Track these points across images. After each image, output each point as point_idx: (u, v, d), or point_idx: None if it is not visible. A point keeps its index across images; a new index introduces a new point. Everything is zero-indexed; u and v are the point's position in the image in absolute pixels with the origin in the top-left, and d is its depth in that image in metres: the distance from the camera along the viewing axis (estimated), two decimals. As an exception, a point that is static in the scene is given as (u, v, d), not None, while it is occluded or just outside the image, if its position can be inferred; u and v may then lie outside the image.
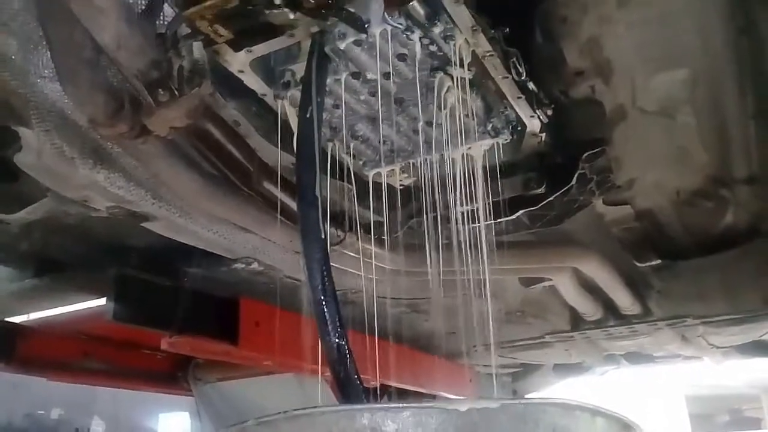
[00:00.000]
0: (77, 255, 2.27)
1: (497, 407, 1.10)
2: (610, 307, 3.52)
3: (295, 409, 1.12)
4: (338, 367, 1.27)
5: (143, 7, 1.45)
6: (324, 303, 1.29)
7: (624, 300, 3.32)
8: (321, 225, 1.33)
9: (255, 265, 2.42)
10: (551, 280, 3.03)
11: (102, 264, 2.24)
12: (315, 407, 1.19)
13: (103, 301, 2.31)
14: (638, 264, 2.84)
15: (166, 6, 1.47)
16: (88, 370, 3.01)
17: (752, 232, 2.50)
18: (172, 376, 3.52)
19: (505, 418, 1.10)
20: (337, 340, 1.29)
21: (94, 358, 2.95)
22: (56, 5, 1.36)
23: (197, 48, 1.41)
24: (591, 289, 3.22)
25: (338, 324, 1.29)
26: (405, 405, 1.12)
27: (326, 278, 1.31)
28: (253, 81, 1.59)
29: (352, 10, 1.32)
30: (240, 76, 1.57)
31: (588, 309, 3.49)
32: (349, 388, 1.26)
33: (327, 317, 1.29)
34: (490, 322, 1.68)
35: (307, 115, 1.39)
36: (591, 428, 1.22)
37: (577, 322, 3.79)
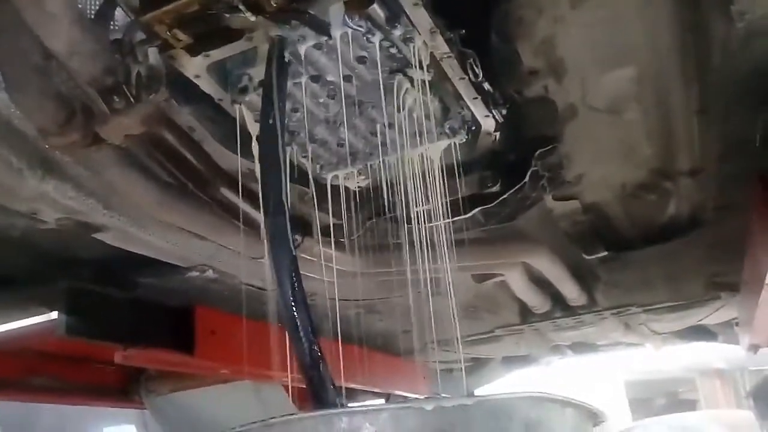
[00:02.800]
0: (24, 268, 2.18)
1: (472, 404, 1.12)
2: (557, 299, 3.62)
3: (272, 417, 1.12)
4: (312, 372, 1.26)
5: (95, 12, 1.41)
6: (295, 309, 1.29)
7: (571, 291, 3.41)
8: (289, 232, 1.32)
9: (210, 273, 2.38)
10: (502, 275, 3.09)
11: (50, 277, 2.16)
12: (292, 414, 1.18)
13: (50, 315, 2.23)
14: (586, 256, 2.92)
15: (118, 11, 1.44)
16: (35, 387, 2.90)
17: (694, 223, 2.61)
18: (122, 389, 3.42)
19: (479, 415, 1.13)
20: (309, 346, 1.29)
21: (42, 374, 2.84)
22: (3, 12, 1.30)
23: (153, 53, 1.38)
24: (540, 282, 3.30)
25: (310, 329, 1.29)
26: (383, 407, 1.13)
27: (296, 284, 1.30)
28: (209, 86, 1.56)
29: (314, 13, 1.31)
30: (196, 81, 1.54)
31: (537, 302, 3.58)
32: (323, 393, 1.25)
33: (299, 323, 1.28)
34: (455, 318, 1.70)
35: (270, 121, 1.38)
36: (561, 418, 1.26)
37: (525, 315, 3.88)
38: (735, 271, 2.93)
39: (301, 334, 1.28)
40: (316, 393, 1.25)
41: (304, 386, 1.27)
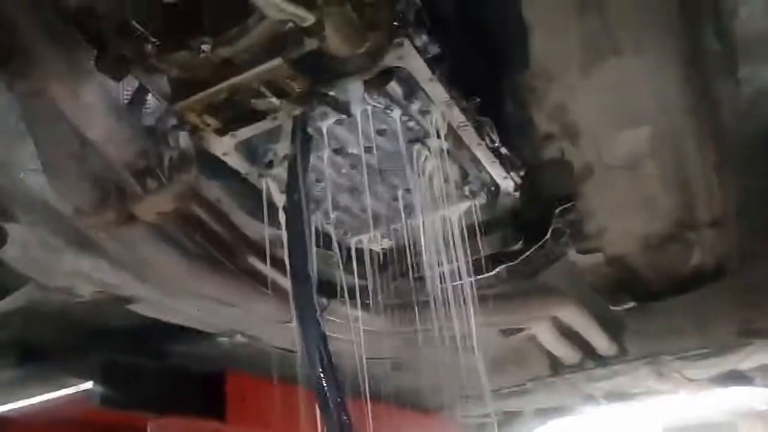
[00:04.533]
0: (58, 340, 2.23)
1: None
2: (587, 350, 3.57)
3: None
4: (343, 443, 1.29)
5: (128, 100, 1.49)
6: (324, 377, 1.32)
7: (601, 342, 3.38)
8: (316, 303, 1.36)
9: (239, 338, 2.42)
10: (530, 329, 3.08)
11: (84, 348, 2.21)
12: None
13: (85, 385, 2.27)
14: (613, 308, 2.91)
15: (149, 96, 1.52)
16: (74, 457, 2.92)
17: (719, 272, 2.58)
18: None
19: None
20: (338, 413, 1.31)
21: (77, 444, 2.87)
22: (42, 103, 1.38)
23: (183, 137, 1.45)
24: (569, 334, 3.27)
25: (338, 397, 1.32)
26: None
27: (324, 353, 1.33)
28: (236, 162, 1.63)
29: (334, 94, 1.38)
30: (224, 158, 1.60)
31: (567, 354, 3.54)
32: (353, 458, 1.27)
33: (327, 391, 1.31)
34: (482, 374, 1.71)
35: (295, 197, 1.43)
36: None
37: (556, 366, 3.83)
38: (765, 316, 2.90)
39: (330, 401, 1.30)
40: (349, 463, 1.27)
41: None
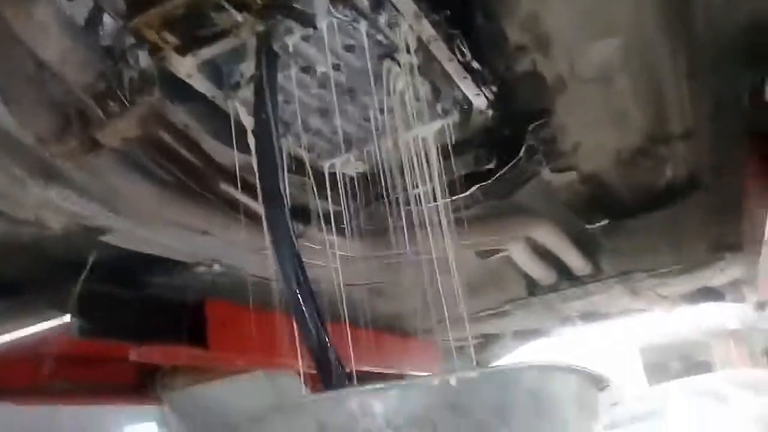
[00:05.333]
0: (34, 274, 2.22)
1: (478, 376, 1.15)
2: (563, 270, 3.64)
3: (285, 401, 1.15)
4: (320, 356, 1.30)
5: (84, 20, 1.43)
6: (300, 297, 1.32)
7: (576, 262, 3.43)
8: (289, 222, 1.35)
9: (217, 267, 2.42)
10: (506, 250, 3.12)
11: (61, 281, 2.19)
12: (304, 396, 1.22)
13: (63, 319, 2.26)
14: (587, 226, 2.94)
15: (106, 17, 1.46)
16: (54, 391, 2.95)
17: (692, 186, 2.62)
18: (139, 387, 3.47)
19: (486, 386, 1.15)
20: (316, 332, 1.32)
21: (59, 378, 2.89)
22: (-7, 25, 1.32)
23: (144, 57, 1.40)
24: (544, 254, 3.31)
25: (316, 315, 1.32)
26: (391, 385, 1.16)
27: (300, 273, 1.33)
28: (201, 84, 1.58)
29: (298, 6, 1.33)
30: (188, 80, 1.56)
31: (542, 274, 3.60)
32: (332, 375, 1.29)
33: (305, 310, 1.31)
34: (460, 295, 1.73)
35: (263, 116, 1.40)
36: (566, 386, 1.28)
37: (533, 288, 3.90)
38: (736, 230, 2.96)
39: (308, 320, 1.31)
40: (326, 376, 1.29)
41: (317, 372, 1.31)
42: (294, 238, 1.37)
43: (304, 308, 1.32)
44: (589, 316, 5.13)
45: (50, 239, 2.02)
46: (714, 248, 3.41)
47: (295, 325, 1.34)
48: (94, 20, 1.40)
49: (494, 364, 5.49)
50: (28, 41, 1.32)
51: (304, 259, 2.13)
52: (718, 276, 4.04)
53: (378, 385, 1.15)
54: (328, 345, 1.32)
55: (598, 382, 1.41)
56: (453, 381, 1.10)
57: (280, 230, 1.36)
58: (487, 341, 5.34)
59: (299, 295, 1.31)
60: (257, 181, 1.44)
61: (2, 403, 2.88)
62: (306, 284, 1.34)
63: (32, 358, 2.73)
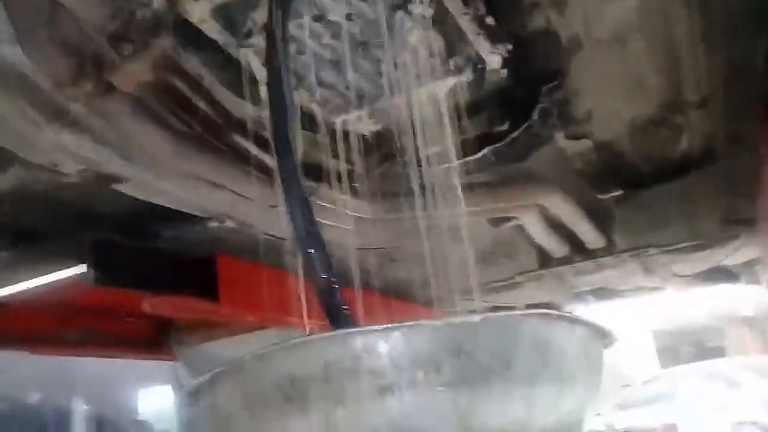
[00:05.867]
0: (49, 224, 2.26)
1: (480, 320, 1.16)
2: (575, 243, 3.62)
3: (290, 340, 1.17)
4: (327, 298, 1.31)
5: (98, -40, 1.44)
6: (308, 239, 1.33)
7: (588, 234, 3.42)
8: (299, 169, 1.36)
9: (229, 223, 2.44)
10: (518, 218, 3.11)
11: (75, 231, 2.23)
12: (309, 336, 1.23)
13: (78, 268, 2.31)
14: (600, 196, 2.93)
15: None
16: (68, 342, 3.01)
17: (707, 156, 2.60)
18: (153, 341, 3.54)
19: (489, 331, 1.16)
20: (324, 272, 1.34)
21: (74, 328, 2.95)
22: (9, -38, 1.34)
23: (157, -3, 1.42)
24: (556, 225, 3.30)
25: (325, 258, 1.34)
26: (395, 325, 1.17)
27: (308, 217, 1.34)
28: (214, 30, 1.60)
29: (311, -51, 1.33)
30: (201, 26, 1.57)
31: (554, 246, 3.59)
32: (339, 317, 1.31)
33: (313, 252, 1.33)
34: (470, 262, 1.74)
35: (275, 65, 1.41)
36: (570, 336, 1.28)
37: (544, 260, 3.89)
38: (753, 206, 2.93)
39: (316, 262, 1.32)
40: (332, 317, 1.31)
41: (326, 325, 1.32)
42: (302, 183, 1.39)
43: (312, 251, 1.33)
44: (601, 293, 5.11)
45: (65, 188, 2.05)
46: (729, 223, 3.38)
47: (302, 268, 1.36)
48: (109, -41, 1.41)
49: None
50: (43, -22, 1.34)
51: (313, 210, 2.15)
52: (732, 255, 4.00)
53: (383, 326, 1.16)
54: (336, 287, 1.34)
55: (604, 337, 1.41)
56: (457, 321, 1.11)
57: (291, 177, 1.37)
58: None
59: (307, 236, 1.32)
60: (269, 129, 1.45)
61: (18, 352, 2.95)
62: (314, 228, 1.35)
63: (48, 308, 2.79)
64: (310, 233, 1.34)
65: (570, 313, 1.31)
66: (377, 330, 1.15)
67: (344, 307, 1.32)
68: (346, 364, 1.13)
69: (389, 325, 1.17)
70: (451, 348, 1.12)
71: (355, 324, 1.32)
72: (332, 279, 1.33)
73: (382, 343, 1.13)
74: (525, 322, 1.23)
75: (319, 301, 1.32)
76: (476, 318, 1.15)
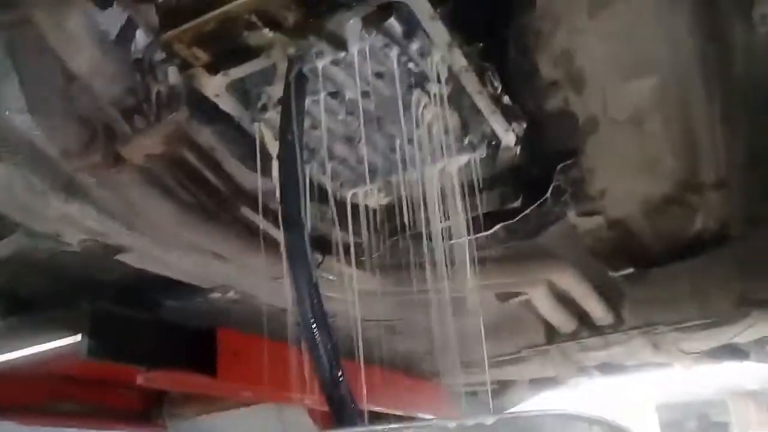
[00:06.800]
0: (48, 291, 2.20)
1: (495, 422, 1.09)
2: (584, 318, 3.55)
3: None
4: (332, 390, 1.25)
5: (116, 34, 1.43)
6: (315, 327, 1.27)
7: (597, 310, 3.35)
8: (308, 249, 1.31)
9: (231, 294, 2.38)
10: (526, 294, 3.05)
11: (74, 300, 2.17)
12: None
13: (73, 338, 2.23)
14: (611, 273, 2.87)
15: (138, 32, 1.46)
16: (59, 412, 2.91)
17: (721, 238, 2.55)
18: (145, 413, 3.42)
19: (505, 433, 1.09)
20: (329, 364, 1.27)
21: (65, 399, 2.85)
22: (26, 34, 1.33)
23: (173, 73, 1.40)
24: (565, 301, 3.24)
25: (330, 348, 1.27)
26: (405, 425, 1.10)
27: (316, 302, 1.29)
28: (229, 105, 1.57)
29: (331, 28, 1.32)
30: (216, 100, 1.54)
31: (562, 321, 3.52)
32: (344, 412, 1.24)
33: (318, 341, 1.27)
34: (483, 337, 1.67)
35: (288, 137, 1.38)
36: (588, 437, 1.21)
37: (551, 335, 3.81)
38: (765, 287, 2.87)
39: (321, 351, 1.26)
40: (337, 412, 1.23)
41: (326, 408, 1.25)
42: (312, 266, 1.34)
43: (318, 338, 1.27)
44: (607, 368, 4.99)
45: (67, 256, 2.01)
46: (741, 304, 3.31)
47: (307, 356, 1.29)
48: (126, 33, 1.40)
49: (510, 411, 5.36)
50: (60, 52, 1.33)
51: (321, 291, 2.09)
52: (743, 333, 3.92)
53: (392, 426, 1.09)
54: (341, 379, 1.27)
55: (623, 436, 1.33)
56: (469, 423, 1.05)
57: (299, 256, 1.32)
58: (502, 388, 5.22)
59: (314, 323, 1.26)
60: (279, 205, 1.41)
61: (6, 422, 2.84)
62: (322, 313, 1.29)
63: (38, 377, 2.70)
64: (317, 321, 1.28)
65: (588, 413, 1.23)
66: (384, 430, 1.08)
67: (350, 400, 1.25)
68: (351, 463, 1.05)
69: (398, 426, 1.10)
70: (464, 451, 1.05)
71: (360, 419, 1.25)
72: (338, 370, 1.27)
73: (389, 446, 1.05)
74: (542, 422, 1.16)
75: (323, 392, 1.25)
76: (491, 419, 1.08)
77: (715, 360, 4.77)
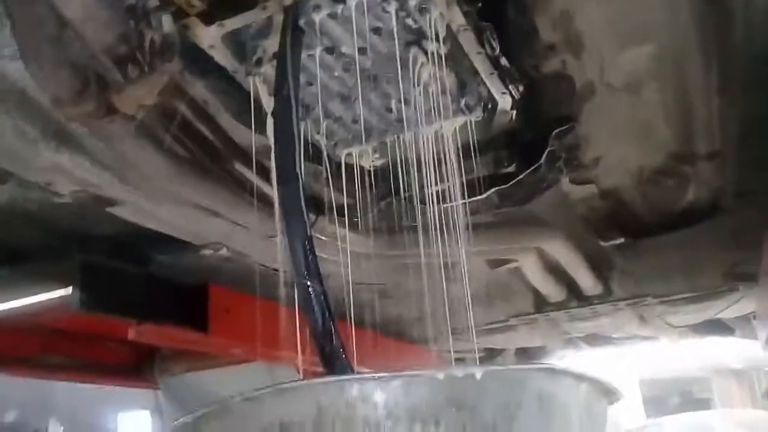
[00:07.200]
0: (39, 244, 2.20)
1: (484, 373, 1.10)
2: (572, 288, 3.58)
3: (282, 383, 1.10)
4: (323, 341, 1.25)
5: (110, -20, 1.40)
6: (308, 278, 1.28)
7: (586, 280, 3.38)
8: (303, 203, 1.31)
9: (223, 251, 2.38)
10: (517, 261, 3.07)
11: (65, 253, 2.17)
12: (303, 379, 1.17)
13: (64, 291, 2.23)
14: (602, 243, 2.89)
15: (133, -22, 1.43)
16: (49, 365, 2.93)
17: (712, 209, 2.57)
18: (136, 368, 3.44)
19: (492, 385, 1.10)
20: (322, 315, 1.28)
21: (56, 352, 2.86)
22: (18, -22, 1.30)
23: (167, 21, 1.38)
24: (554, 270, 3.26)
25: (323, 299, 1.28)
26: (394, 374, 1.11)
27: (310, 254, 1.29)
28: (223, 57, 1.55)
29: (328, -21, 1.30)
30: (210, 51, 1.53)
31: (551, 290, 3.55)
32: (335, 362, 1.25)
33: (311, 292, 1.27)
34: (469, 304, 1.68)
35: (284, 92, 1.36)
36: (575, 393, 1.23)
37: (540, 304, 3.84)
38: (754, 260, 2.89)
39: (314, 302, 1.27)
40: (328, 362, 1.25)
41: (318, 368, 1.26)
42: (307, 220, 1.33)
43: (310, 290, 1.28)
44: (594, 340, 5.06)
45: (58, 208, 2.00)
46: (729, 277, 3.34)
47: (299, 308, 1.30)
48: (120, -20, 1.38)
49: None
50: (52, -4, 1.30)
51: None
52: (730, 308, 3.96)
53: (381, 374, 1.10)
54: (333, 331, 1.28)
55: (609, 394, 1.35)
56: (459, 374, 1.06)
57: (294, 209, 1.32)
58: (489, 356, 5.28)
59: (307, 273, 1.26)
60: (273, 161, 1.40)
61: (-3, 373, 2.86)
62: (315, 266, 1.30)
63: (29, 329, 2.71)
64: (310, 272, 1.29)
65: (576, 369, 1.25)
66: (375, 378, 1.09)
67: (341, 351, 1.26)
68: (340, 411, 1.06)
69: (387, 374, 1.10)
70: (452, 401, 1.06)
71: (351, 370, 1.26)
72: (330, 322, 1.27)
73: (379, 393, 1.06)
74: (530, 376, 1.17)
75: (314, 342, 1.26)
76: (479, 371, 1.09)
77: (701, 334, 4.83)
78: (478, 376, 1.08)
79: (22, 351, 2.82)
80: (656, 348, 5.47)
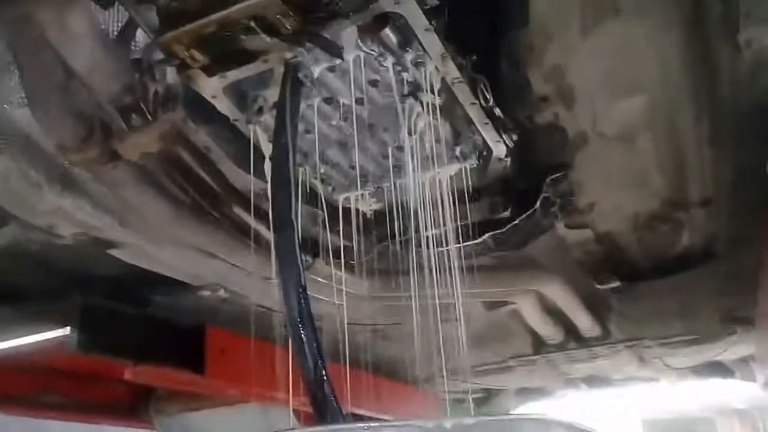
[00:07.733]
0: (40, 284, 2.22)
1: (475, 424, 1.11)
2: (571, 330, 3.59)
3: (276, 431, 1.11)
4: (315, 388, 1.26)
5: (117, 32, 1.45)
6: (301, 325, 1.29)
7: (584, 322, 3.39)
8: (298, 248, 1.33)
9: (221, 293, 2.40)
10: (514, 303, 3.08)
11: (65, 293, 2.19)
12: (295, 429, 1.18)
13: (62, 331, 2.25)
14: (598, 286, 2.91)
15: (139, 31, 1.48)
16: (46, 404, 2.91)
17: (707, 254, 2.59)
18: (132, 408, 3.42)
19: (483, 435, 1.11)
20: (314, 362, 1.29)
21: (53, 391, 2.86)
22: (28, 31, 1.35)
23: (171, 73, 1.42)
24: (553, 312, 3.27)
25: (315, 346, 1.29)
26: (385, 424, 1.12)
27: (303, 301, 1.31)
28: (225, 106, 1.59)
29: (328, 36, 1.35)
30: (212, 101, 1.57)
31: (549, 332, 3.55)
32: (326, 410, 1.25)
33: (304, 339, 1.29)
34: (463, 345, 1.69)
35: (282, 140, 1.40)
36: (566, 444, 1.23)
37: (539, 345, 3.84)
38: (751, 304, 2.90)
39: (306, 350, 1.28)
40: (319, 410, 1.25)
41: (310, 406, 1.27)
42: (301, 266, 1.36)
43: (303, 337, 1.29)
44: (594, 381, 5.03)
45: (59, 249, 2.02)
46: (726, 321, 3.35)
47: (291, 355, 1.31)
48: (126, 33, 1.43)
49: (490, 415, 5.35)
50: (60, 49, 1.35)
51: (309, 293, 2.11)
52: (728, 351, 3.96)
53: (371, 424, 1.11)
54: (325, 378, 1.29)
55: (600, 443, 1.35)
56: (448, 425, 1.07)
57: (288, 256, 1.34)
58: (488, 396, 5.24)
59: (300, 321, 1.28)
60: (270, 204, 1.43)
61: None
62: (309, 313, 1.31)
63: (27, 368, 2.71)
64: (303, 320, 1.30)
65: (567, 420, 1.26)
66: (365, 428, 1.10)
67: (332, 399, 1.27)
68: (330, 459, 1.07)
69: (377, 424, 1.11)
70: (441, 452, 1.07)
71: (342, 418, 1.27)
72: (322, 369, 1.29)
73: (369, 442, 1.07)
74: (521, 427, 1.18)
75: (306, 391, 1.27)
76: (470, 420, 1.10)
77: (701, 376, 4.81)
78: (468, 425, 1.09)
79: (19, 389, 2.81)
80: (657, 389, 5.43)
